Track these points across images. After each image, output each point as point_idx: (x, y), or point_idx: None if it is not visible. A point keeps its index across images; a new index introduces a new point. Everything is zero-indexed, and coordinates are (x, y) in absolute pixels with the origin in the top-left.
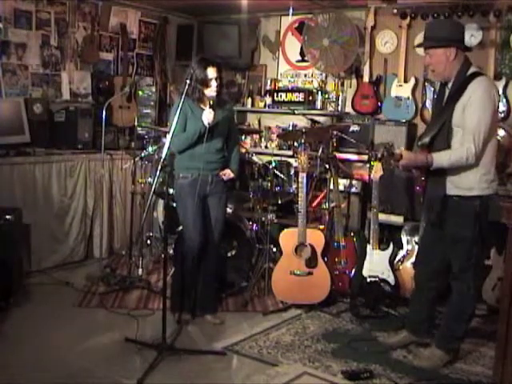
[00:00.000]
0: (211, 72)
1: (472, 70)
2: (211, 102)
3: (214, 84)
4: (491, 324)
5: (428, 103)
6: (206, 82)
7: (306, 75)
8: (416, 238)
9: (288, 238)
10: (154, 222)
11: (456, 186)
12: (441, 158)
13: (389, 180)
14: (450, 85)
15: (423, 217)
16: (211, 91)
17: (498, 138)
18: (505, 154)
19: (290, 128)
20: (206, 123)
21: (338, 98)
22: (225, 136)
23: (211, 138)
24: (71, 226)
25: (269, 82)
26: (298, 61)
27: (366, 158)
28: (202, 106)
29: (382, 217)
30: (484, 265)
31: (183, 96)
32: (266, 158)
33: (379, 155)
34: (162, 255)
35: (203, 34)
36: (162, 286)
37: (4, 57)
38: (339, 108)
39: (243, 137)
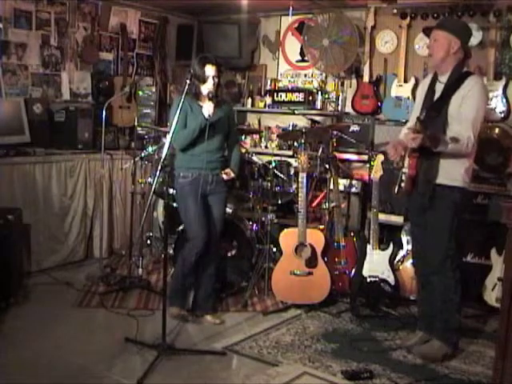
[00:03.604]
0: (209, 69)
1: (465, 69)
2: (210, 95)
3: (210, 81)
4: (491, 324)
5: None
6: (203, 79)
7: (306, 75)
8: None
9: (288, 238)
10: (153, 221)
11: (445, 175)
12: (446, 141)
13: (389, 180)
14: (443, 79)
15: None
16: (206, 88)
17: (495, 135)
18: (505, 153)
19: (290, 128)
20: (206, 115)
21: (337, 98)
22: (224, 135)
23: (211, 137)
24: (71, 226)
25: (269, 81)
26: (298, 61)
27: (366, 157)
28: (199, 102)
29: (382, 217)
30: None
31: (183, 95)
32: (266, 158)
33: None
34: (162, 255)
35: (203, 34)
36: (162, 285)
37: (4, 57)
38: (339, 108)
39: (243, 137)
